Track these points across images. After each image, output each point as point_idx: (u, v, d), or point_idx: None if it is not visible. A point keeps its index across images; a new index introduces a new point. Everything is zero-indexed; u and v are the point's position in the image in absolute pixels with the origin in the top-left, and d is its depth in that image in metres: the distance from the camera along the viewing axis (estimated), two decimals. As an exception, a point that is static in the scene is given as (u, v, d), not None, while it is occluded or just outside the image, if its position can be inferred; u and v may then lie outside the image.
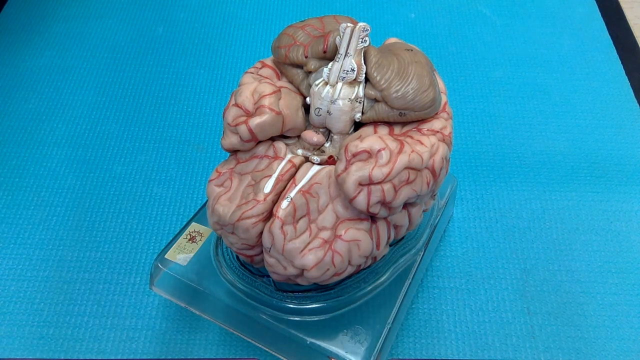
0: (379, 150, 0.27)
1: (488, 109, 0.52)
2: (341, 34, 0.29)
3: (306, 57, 0.31)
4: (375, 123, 0.30)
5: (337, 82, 0.30)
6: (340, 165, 0.28)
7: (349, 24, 0.29)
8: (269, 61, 0.33)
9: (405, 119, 0.30)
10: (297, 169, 0.30)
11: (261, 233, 0.29)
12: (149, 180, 0.47)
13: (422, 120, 0.30)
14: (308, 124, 0.31)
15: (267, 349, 0.33)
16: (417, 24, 0.61)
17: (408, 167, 0.28)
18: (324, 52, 0.30)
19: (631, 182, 0.47)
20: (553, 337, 0.38)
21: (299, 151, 0.31)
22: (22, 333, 0.38)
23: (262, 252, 0.31)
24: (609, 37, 0.59)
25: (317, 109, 0.30)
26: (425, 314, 0.39)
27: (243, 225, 0.29)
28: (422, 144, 0.29)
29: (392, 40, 0.33)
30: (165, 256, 0.36)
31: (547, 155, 0.49)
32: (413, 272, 0.36)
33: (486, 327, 0.39)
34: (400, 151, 0.28)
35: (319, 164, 0.30)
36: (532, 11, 0.62)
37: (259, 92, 0.29)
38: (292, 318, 0.32)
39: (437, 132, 0.30)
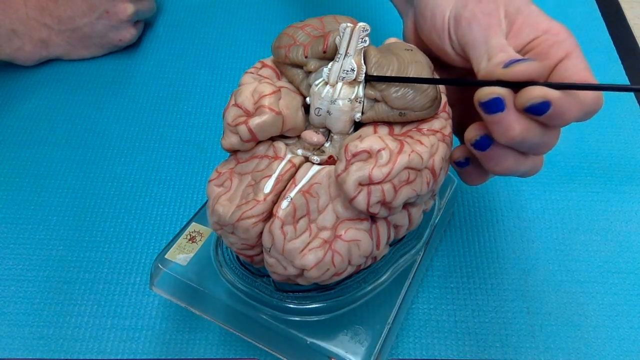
0: (379, 150, 0.27)
1: (488, 109, 0.52)
2: (341, 34, 0.29)
3: (306, 57, 0.31)
4: (375, 123, 0.30)
5: (337, 82, 0.30)
6: (340, 165, 0.28)
7: (348, 24, 0.29)
8: (269, 61, 0.33)
9: (405, 118, 0.30)
10: (297, 169, 0.30)
11: (261, 233, 0.29)
12: (149, 180, 0.47)
13: (422, 120, 0.30)
14: (308, 124, 0.32)
15: (267, 349, 0.33)
16: (417, 24, 0.61)
17: (408, 167, 0.28)
18: (324, 52, 0.30)
19: (631, 182, 0.47)
20: (553, 337, 0.38)
21: (299, 151, 0.31)
22: (22, 333, 0.38)
23: (262, 252, 0.31)
24: (609, 37, 0.59)
25: (317, 109, 0.30)
26: (425, 314, 0.39)
27: (243, 226, 0.29)
28: (422, 143, 0.29)
29: (392, 40, 0.33)
30: (165, 256, 0.36)
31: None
32: (413, 272, 0.36)
33: (486, 327, 0.39)
34: (400, 151, 0.28)
35: (319, 164, 0.30)
36: (532, 11, 0.62)
37: (259, 92, 0.29)
38: (292, 318, 0.32)
39: (437, 132, 0.30)
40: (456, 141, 0.32)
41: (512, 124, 0.27)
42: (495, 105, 0.27)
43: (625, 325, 0.39)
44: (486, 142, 0.29)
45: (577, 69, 0.29)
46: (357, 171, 0.27)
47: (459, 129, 0.36)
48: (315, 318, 0.33)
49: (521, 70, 0.27)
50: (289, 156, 0.30)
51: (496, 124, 0.27)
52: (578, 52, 0.30)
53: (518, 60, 0.27)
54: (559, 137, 0.29)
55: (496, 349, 0.38)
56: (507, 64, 0.27)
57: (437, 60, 0.34)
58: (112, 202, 0.46)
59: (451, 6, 0.32)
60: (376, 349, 0.32)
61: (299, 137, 0.31)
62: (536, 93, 0.26)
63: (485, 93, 0.27)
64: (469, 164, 0.32)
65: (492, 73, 0.28)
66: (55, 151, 0.49)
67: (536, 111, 0.26)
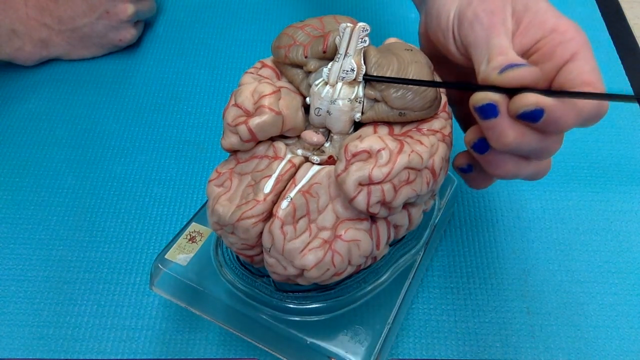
0: (379, 150, 0.27)
1: (488, 109, 0.52)
2: (341, 34, 0.29)
3: (306, 57, 0.31)
4: (375, 123, 0.30)
5: (336, 82, 0.30)
6: (340, 165, 0.28)
7: (348, 24, 0.29)
8: (269, 61, 0.33)
9: (405, 118, 0.30)
10: (297, 169, 0.30)
11: (261, 233, 0.29)
12: (149, 180, 0.47)
13: (422, 120, 0.30)
14: (308, 124, 0.32)
15: (267, 349, 0.33)
16: (417, 24, 0.61)
17: (408, 167, 0.28)
18: (324, 52, 0.30)
19: (631, 182, 0.47)
20: (553, 337, 0.38)
21: (299, 151, 0.31)
22: (22, 333, 0.38)
23: (262, 252, 0.31)
24: (609, 37, 0.59)
25: (317, 109, 0.30)
26: (425, 314, 0.39)
27: (243, 226, 0.29)
28: (421, 143, 0.29)
29: (392, 40, 0.33)
30: (166, 256, 0.36)
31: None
32: (413, 272, 0.36)
33: (486, 327, 0.39)
34: (400, 151, 0.28)
35: (318, 164, 0.30)
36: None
37: (259, 92, 0.29)
38: (292, 318, 0.32)
39: (437, 132, 0.30)
40: (461, 145, 0.32)
41: (506, 131, 0.26)
42: (489, 111, 0.26)
43: (625, 325, 0.39)
44: (484, 145, 0.28)
45: (582, 71, 0.28)
46: (357, 171, 0.27)
47: (465, 126, 0.36)
48: (315, 318, 0.33)
49: (515, 76, 0.26)
50: (289, 156, 0.30)
51: (490, 129, 0.27)
52: (585, 52, 0.28)
53: (513, 66, 0.27)
54: (562, 142, 0.29)
55: (496, 349, 0.38)
56: (503, 70, 0.27)
57: (444, 58, 0.34)
58: (112, 202, 0.46)
59: (456, 5, 0.31)
60: (376, 349, 0.32)
61: (299, 137, 0.31)
62: (529, 100, 0.25)
63: (479, 98, 0.27)
64: (472, 170, 0.32)
65: (488, 77, 0.27)
66: (55, 151, 0.49)
67: (529, 118, 0.26)
